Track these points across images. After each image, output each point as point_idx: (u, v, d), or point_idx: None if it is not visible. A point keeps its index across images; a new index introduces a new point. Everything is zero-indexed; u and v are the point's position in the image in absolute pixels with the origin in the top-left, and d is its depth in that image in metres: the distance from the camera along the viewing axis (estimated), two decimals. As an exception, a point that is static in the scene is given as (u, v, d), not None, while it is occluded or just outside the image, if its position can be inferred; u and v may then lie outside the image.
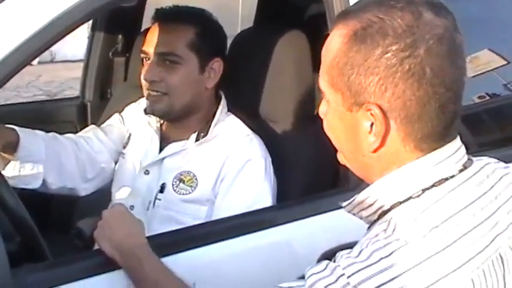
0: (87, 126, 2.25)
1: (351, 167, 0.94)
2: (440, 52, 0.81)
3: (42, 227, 1.29)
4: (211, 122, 1.59)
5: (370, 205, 0.88)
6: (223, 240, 1.31)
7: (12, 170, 1.43)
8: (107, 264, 1.18)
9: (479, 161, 0.90)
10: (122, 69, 2.47)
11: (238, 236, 1.33)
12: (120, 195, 1.68)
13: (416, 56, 0.80)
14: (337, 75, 0.85)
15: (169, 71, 1.56)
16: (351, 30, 0.84)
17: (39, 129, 1.61)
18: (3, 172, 1.40)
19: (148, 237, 1.27)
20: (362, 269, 0.80)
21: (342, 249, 1.47)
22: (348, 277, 0.80)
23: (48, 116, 2.38)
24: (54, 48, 9.68)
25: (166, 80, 1.55)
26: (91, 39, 2.51)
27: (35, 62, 9.59)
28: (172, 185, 1.58)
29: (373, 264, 0.80)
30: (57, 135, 1.63)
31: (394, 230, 0.82)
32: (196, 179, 1.57)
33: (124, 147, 1.72)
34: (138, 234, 1.23)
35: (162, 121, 1.66)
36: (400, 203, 0.84)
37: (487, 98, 2.05)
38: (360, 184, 1.48)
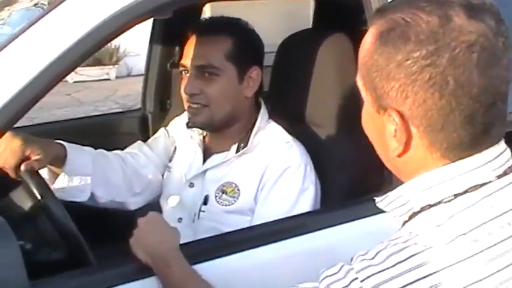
0: (148, 137, 2.33)
1: (386, 165, 0.93)
2: (467, 61, 0.77)
3: (99, 241, 1.34)
4: (251, 131, 1.68)
5: (403, 205, 0.87)
6: (260, 246, 1.31)
7: (61, 183, 1.52)
8: (141, 271, 1.20)
9: None
10: (179, 80, 2.51)
11: (276, 241, 1.33)
12: (168, 208, 1.80)
13: (438, 65, 0.78)
14: (365, 75, 0.86)
15: (208, 82, 1.64)
16: (378, 30, 0.83)
17: (102, 142, 1.71)
18: (52, 186, 1.47)
19: (185, 244, 1.31)
20: (376, 273, 0.80)
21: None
22: (362, 281, 0.80)
23: (111, 128, 2.55)
24: (130, 62, 10.05)
25: (206, 92, 1.65)
26: (149, 52, 2.65)
27: (112, 76, 9.95)
28: (216, 196, 1.67)
29: (388, 268, 0.79)
30: (104, 151, 1.79)
31: (417, 234, 0.81)
32: (238, 190, 1.65)
33: (170, 161, 1.85)
34: (170, 240, 1.31)
35: (204, 133, 1.79)
36: (430, 206, 0.83)
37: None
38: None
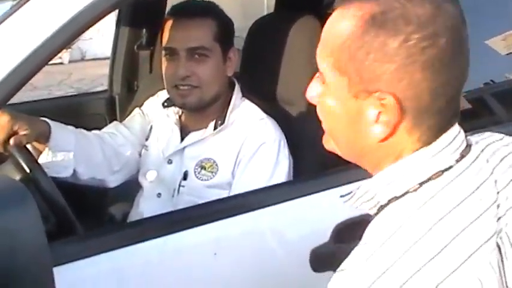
0: (115, 118, 2.42)
1: (342, 153, 0.93)
2: (455, 44, 0.81)
3: (78, 217, 1.42)
4: (227, 109, 1.78)
5: (370, 199, 0.89)
6: (241, 213, 1.41)
7: (45, 159, 1.60)
8: (124, 240, 1.35)
9: (478, 145, 0.90)
10: (147, 62, 2.63)
11: (255, 209, 1.44)
12: (147, 184, 1.89)
13: (436, 47, 0.79)
14: (348, 59, 0.83)
15: (199, 64, 1.74)
16: (368, 13, 0.81)
17: (70, 122, 1.82)
18: (37, 161, 1.53)
19: (174, 211, 1.39)
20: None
21: (353, 223, 1.58)
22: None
23: (78, 109, 2.59)
24: (84, 46, 9.95)
25: (197, 74, 1.73)
26: (116, 34, 2.71)
27: (66, 60, 9.82)
28: (194, 172, 1.76)
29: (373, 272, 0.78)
30: (84, 130, 1.85)
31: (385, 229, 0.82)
32: (216, 165, 1.75)
33: (146, 140, 1.94)
34: None
35: (180, 112, 1.87)
36: (397, 198, 0.84)
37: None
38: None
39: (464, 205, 0.81)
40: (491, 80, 2.13)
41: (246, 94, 1.85)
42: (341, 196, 0.94)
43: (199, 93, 1.74)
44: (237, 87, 1.83)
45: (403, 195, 0.83)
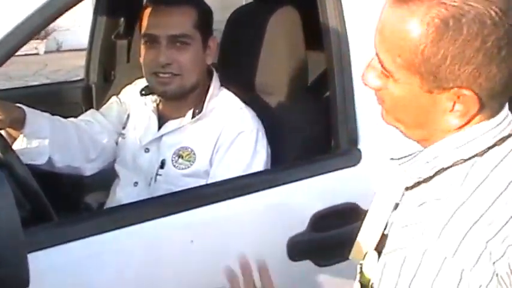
0: (92, 107, 2.39)
1: (409, 133, 0.97)
2: None
3: (54, 205, 1.40)
4: (205, 98, 1.77)
5: (428, 162, 0.93)
6: (218, 201, 1.41)
7: (20, 146, 1.57)
8: (98, 227, 1.36)
9: None
10: (125, 51, 2.63)
11: (233, 197, 1.44)
12: (124, 172, 1.88)
13: (510, 42, 0.84)
14: (421, 62, 0.86)
15: (180, 52, 1.73)
16: (438, 18, 0.83)
17: (46, 111, 1.80)
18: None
19: (151, 198, 1.38)
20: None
21: (330, 211, 1.59)
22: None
23: (54, 98, 2.58)
24: (60, 37, 9.85)
25: (178, 61, 1.73)
26: (93, 23, 2.69)
27: (41, 51, 9.70)
28: (172, 160, 1.76)
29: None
30: (60, 117, 1.83)
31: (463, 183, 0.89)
32: (194, 154, 1.74)
33: (123, 128, 1.92)
34: None
35: (158, 100, 1.86)
36: (464, 160, 0.91)
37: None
38: (350, 149, 1.59)
39: None
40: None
41: (224, 84, 1.85)
42: (392, 159, 0.99)
43: (179, 81, 1.73)
44: (215, 76, 1.83)
45: (470, 158, 0.90)
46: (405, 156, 0.97)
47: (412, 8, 0.85)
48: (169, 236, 1.44)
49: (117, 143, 1.91)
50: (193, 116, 1.76)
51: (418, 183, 0.95)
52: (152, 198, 1.59)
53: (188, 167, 1.72)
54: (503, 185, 0.88)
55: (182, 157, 1.74)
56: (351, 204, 1.61)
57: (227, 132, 1.71)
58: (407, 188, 0.98)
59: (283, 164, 1.72)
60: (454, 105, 0.88)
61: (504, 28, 0.82)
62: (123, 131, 1.91)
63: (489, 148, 0.91)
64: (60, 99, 2.59)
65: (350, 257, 1.11)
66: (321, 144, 1.75)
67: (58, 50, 9.22)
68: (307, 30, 1.83)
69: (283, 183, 1.56)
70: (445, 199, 0.88)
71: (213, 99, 1.77)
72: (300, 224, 1.55)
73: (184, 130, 1.77)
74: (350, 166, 1.65)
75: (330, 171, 1.62)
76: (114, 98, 2.00)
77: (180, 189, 1.65)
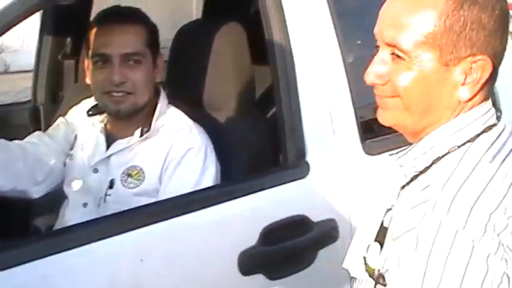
0: (40, 129, 2.36)
1: (412, 122, 1.03)
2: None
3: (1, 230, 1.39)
4: (153, 116, 1.77)
5: (422, 154, 1.03)
6: (168, 219, 1.41)
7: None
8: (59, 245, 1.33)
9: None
10: (72, 71, 2.60)
11: (183, 214, 1.44)
12: (72, 193, 1.85)
13: (507, 16, 0.99)
14: (443, 32, 0.97)
15: (133, 70, 1.74)
16: None
17: None
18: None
19: (100, 218, 1.38)
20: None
21: (280, 224, 1.61)
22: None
23: (2, 120, 2.48)
24: (8, 58, 9.66)
25: (132, 80, 1.73)
26: (40, 43, 2.65)
27: (-11, 73, 9.29)
28: (121, 180, 1.75)
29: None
30: (3, 140, 1.79)
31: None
32: (143, 172, 1.74)
33: (71, 149, 1.90)
34: None
35: (106, 120, 1.85)
36: (458, 147, 1.00)
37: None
38: (298, 162, 1.62)
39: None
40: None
41: (172, 101, 1.85)
42: (391, 155, 1.08)
43: (133, 99, 1.73)
44: (163, 94, 1.83)
45: (463, 144, 0.99)
46: (401, 151, 1.06)
47: None
48: (119, 255, 1.42)
49: (64, 165, 1.88)
50: (141, 135, 1.75)
51: (416, 177, 1.03)
52: (100, 217, 1.57)
53: (138, 186, 1.72)
54: (497, 164, 0.96)
55: (131, 176, 1.73)
56: (301, 216, 1.64)
57: (175, 150, 1.71)
58: (403, 187, 1.05)
59: (233, 179, 1.73)
60: (465, 78, 0.98)
61: (505, 1, 0.99)
62: (70, 152, 1.89)
63: (478, 135, 1.00)
64: (8, 121, 2.55)
65: (343, 266, 1.14)
66: (269, 158, 1.78)
67: (6, 72, 9.05)
68: (253, 45, 1.86)
69: (233, 198, 1.57)
70: (447, 180, 0.96)
71: (161, 117, 1.78)
72: (250, 238, 1.56)
73: (133, 149, 1.76)
74: (298, 179, 1.67)
75: (279, 185, 1.63)
76: (60, 119, 1.98)
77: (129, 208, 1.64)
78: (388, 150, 1.83)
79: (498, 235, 0.90)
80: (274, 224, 1.59)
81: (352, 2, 2.18)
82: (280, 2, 1.70)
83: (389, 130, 1.88)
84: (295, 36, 1.71)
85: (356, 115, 1.78)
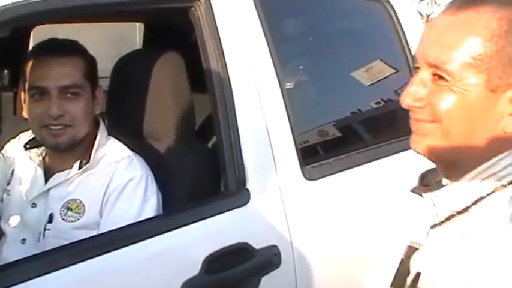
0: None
1: (449, 151, 0.94)
2: None
3: None
4: (92, 148, 1.77)
5: (466, 192, 0.93)
6: (106, 253, 1.40)
7: None
8: None
9: None
10: (11, 104, 2.54)
11: (124, 246, 1.44)
12: (10, 230, 1.82)
13: None
14: (493, 54, 0.90)
15: (71, 102, 1.73)
16: (508, 12, 0.90)
17: None
18: None
19: (37, 254, 1.42)
20: None
21: (224, 252, 1.62)
22: None
23: None
24: None
25: (70, 112, 1.72)
26: (-24, 76, 2.57)
27: None
28: (61, 214, 1.73)
29: None
30: None
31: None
32: (83, 205, 1.73)
33: (8, 184, 1.87)
34: None
35: (44, 153, 1.84)
36: (504, 186, 0.91)
37: (382, 103, 2.29)
38: (238, 190, 1.63)
39: None
40: (358, 109, 2.29)
41: (112, 132, 1.85)
42: (413, 191, 0.99)
43: (72, 132, 1.72)
44: (102, 126, 1.83)
45: (509, 183, 0.91)
46: (431, 185, 0.97)
47: (479, 10, 0.91)
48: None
49: (1, 200, 1.85)
50: (80, 167, 1.75)
51: (451, 216, 0.94)
52: (39, 253, 1.55)
53: (78, 219, 1.70)
54: None
55: (71, 209, 1.71)
56: (243, 243, 1.65)
57: (116, 181, 1.71)
58: (433, 226, 0.97)
59: (174, 209, 1.73)
60: None
61: None
62: (7, 187, 1.86)
63: None
64: None
65: None
66: (210, 186, 1.79)
67: None
68: (193, 73, 1.87)
69: (175, 228, 1.57)
70: (500, 228, 0.87)
71: (100, 149, 1.77)
72: (193, 268, 1.56)
73: (72, 182, 1.75)
74: (239, 206, 1.69)
75: (220, 213, 1.65)
76: None
77: (70, 242, 1.61)
78: (328, 175, 1.92)
79: None
80: (217, 253, 1.60)
81: (290, 29, 2.24)
82: (218, 32, 1.73)
83: (329, 155, 1.93)
84: (233, 66, 1.75)
85: (295, 141, 1.82)
